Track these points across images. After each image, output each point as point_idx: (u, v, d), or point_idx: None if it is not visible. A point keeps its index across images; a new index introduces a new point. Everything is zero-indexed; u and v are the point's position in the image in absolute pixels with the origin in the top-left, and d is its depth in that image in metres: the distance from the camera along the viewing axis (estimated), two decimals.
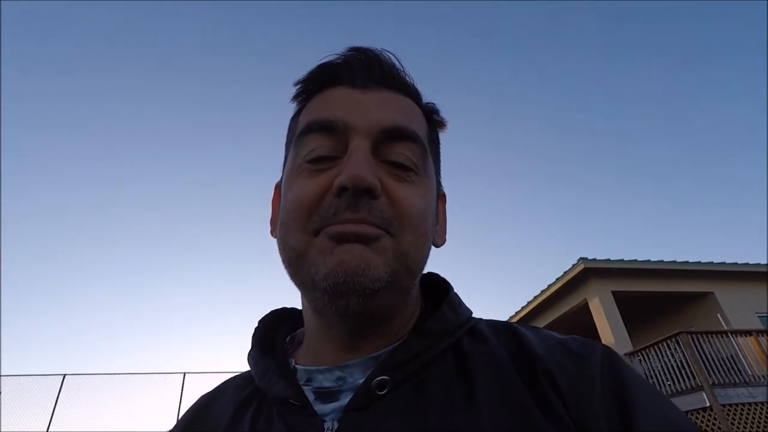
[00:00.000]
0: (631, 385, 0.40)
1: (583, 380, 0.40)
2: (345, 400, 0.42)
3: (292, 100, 0.54)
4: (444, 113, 0.56)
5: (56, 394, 11.57)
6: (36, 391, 11.63)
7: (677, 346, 8.16)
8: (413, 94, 0.52)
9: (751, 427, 7.30)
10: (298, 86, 0.53)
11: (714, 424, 7.31)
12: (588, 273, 10.38)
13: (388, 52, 0.51)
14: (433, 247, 0.50)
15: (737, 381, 7.73)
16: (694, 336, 8.16)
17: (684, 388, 7.92)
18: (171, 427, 0.54)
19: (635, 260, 10.58)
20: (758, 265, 11.12)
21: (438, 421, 0.38)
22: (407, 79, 0.52)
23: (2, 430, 11.11)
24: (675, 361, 8.20)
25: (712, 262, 10.90)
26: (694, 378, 7.77)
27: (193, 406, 0.55)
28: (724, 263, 10.98)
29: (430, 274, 0.53)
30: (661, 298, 10.96)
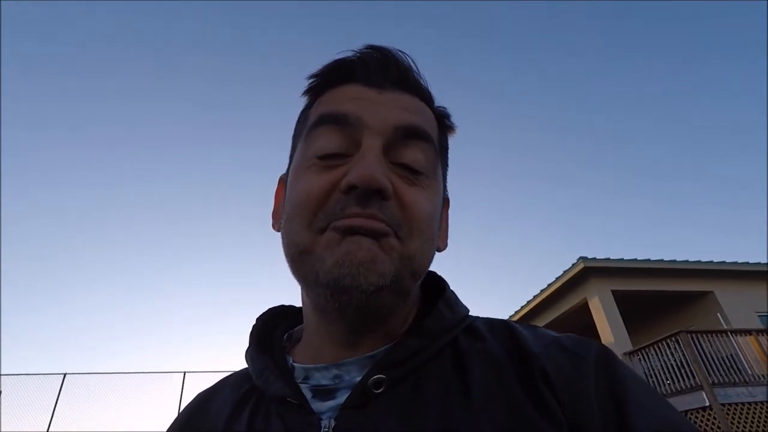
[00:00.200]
0: (626, 384, 0.40)
1: (578, 378, 0.40)
2: (342, 398, 0.42)
3: (304, 93, 0.53)
4: (447, 109, 0.55)
5: (57, 393, 11.58)
6: (37, 390, 11.64)
7: (677, 346, 8.16)
8: (427, 98, 0.52)
9: (751, 427, 7.30)
10: (312, 79, 0.52)
11: (714, 423, 7.31)
12: (588, 272, 10.38)
13: (404, 53, 0.51)
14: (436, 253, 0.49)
15: (737, 380, 7.73)
16: (693, 335, 8.17)
17: (684, 387, 7.92)
18: (169, 424, 0.54)
19: (635, 259, 10.58)
20: (758, 264, 11.11)
21: (434, 419, 0.38)
22: (422, 81, 0.52)
23: (3, 429, 11.11)
24: (675, 361, 8.20)
25: (712, 262, 10.90)
26: (693, 377, 7.77)
27: (190, 403, 0.55)
28: (724, 262, 10.98)
29: (427, 272, 0.53)
30: (661, 297, 10.96)
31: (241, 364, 0.56)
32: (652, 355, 8.71)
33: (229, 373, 0.57)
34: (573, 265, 10.59)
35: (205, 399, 0.54)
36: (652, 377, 8.56)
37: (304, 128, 0.49)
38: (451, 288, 0.52)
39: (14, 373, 11.80)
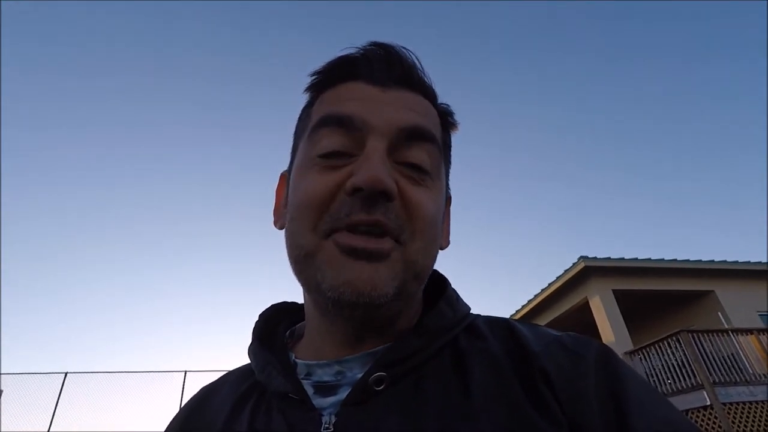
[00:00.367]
0: (626, 383, 0.40)
1: (578, 377, 0.40)
2: (343, 394, 0.42)
3: (306, 90, 0.53)
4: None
5: (58, 392, 11.60)
6: (38, 389, 11.67)
7: (678, 345, 8.15)
8: (430, 95, 0.52)
9: (752, 426, 7.30)
10: (314, 76, 0.51)
11: (715, 422, 7.31)
12: (588, 271, 10.37)
13: (408, 50, 0.50)
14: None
15: (738, 380, 7.72)
16: (694, 334, 8.16)
17: (685, 386, 7.92)
18: (171, 418, 0.54)
19: (636, 259, 10.57)
20: (759, 263, 11.10)
21: (434, 417, 0.38)
22: (426, 79, 0.51)
23: (4, 428, 11.13)
24: (676, 360, 8.19)
25: (712, 261, 10.88)
26: (694, 376, 7.77)
27: (193, 397, 0.56)
28: (725, 262, 10.96)
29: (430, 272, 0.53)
30: (662, 296, 10.94)
31: (241, 363, 0.56)
32: (653, 354, 8.70)
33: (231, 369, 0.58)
34: (574, 264, 10.58)
35: (207, 393, 0.54)
36: (653, 377, 8.55)
37: (307, 127, 0.49)
38: (453, 286, 0.52)
39: (16, 372, 11.83)
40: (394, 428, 0.38)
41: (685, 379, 7.95)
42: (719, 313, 10.20)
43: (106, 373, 12.28)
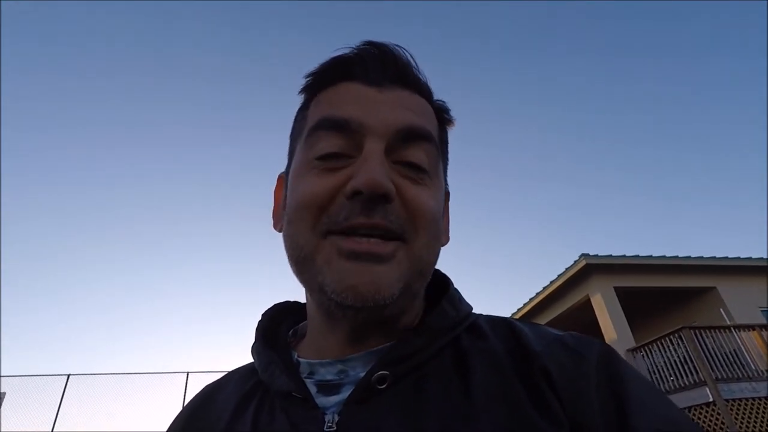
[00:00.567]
0: (628, 383, 0.40)
1: (579, 377, 0.40)
2: (346, 393, 0.42)
3: (301, 91, 0.53)
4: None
5: (61, 394, 11.62)
6: (41, 392, 11.69)
7: (680, 342, 8.15)
8: (426, 93, 0.51)
9: (755, 422, 7.30)
10: (309, 78, 0.51)
11: (717, 419, 7.31)
12: (590, 269, 10.37)
13: (402, 48, 0.50)
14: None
15: (740, 376, 7.72)
16: (697, 331, 8.15)
17: (687, 383, 7.92)
18: (175, 416, 0.55)
19: (637, 256, 10.56)
20: (761, 259, 11.08)
21: (436, 417, 0.38)
22: (421, 77, 0.51)
23: (9, 430, 11.16)
24: (678, 357, 8.19)
25: (714, 257, 10.87)
26: (697, 373, 7.77)
27: (197, 396, 0.56)
28: (726, 258, 10.95)
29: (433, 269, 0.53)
30: (664, 293, 10.94)
31: (243, 363, 0.56)
32: (655, 351, 8.70)
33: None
34: (575, 262, 10.58)
35: (211, 392, 0.54)
36: (655, 373, 8.55)
37: (303, 129, 0.49)
38: (455, 285, 0.52)
39: (19, 374, 11.86)
40: (397, 427, 0.38)
41: (687, 376, 7.95)
42: (721, 310, 10.19)
43: (108, 375, 12.31)
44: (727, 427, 7.08)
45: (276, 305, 0.58)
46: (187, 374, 12.31)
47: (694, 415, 7.67)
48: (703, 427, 7.32)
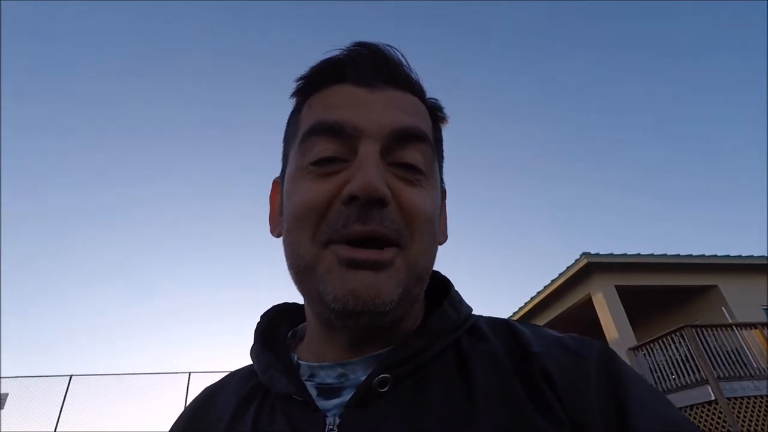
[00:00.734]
0: (628, 384, 0.40)
1: (579, 378, 0.40)
2: (347, 396, 0.42)
3: (293, 95, 0.52)
4: (448, 109, 0.54)
5: (63, 395, 11.65)
6: (43, 392, 11.71)
7: (682, 340, 8.13)
8: (418, 92, 0.51)
9: (757, 421, 7.28)
10: (300, 81, 0.51)
11: (719, 417, 7.30)
12: (591, 268, 10.35)
13: (393, 47, 0.50)
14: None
15: (742, 374, 7.71)
16: (698, 330, 8.14)
17: (689, 381, 7.90)
18: (175, 419, 0.55)
19: (638, 254, 10.54)
20: (763, 257, 11.04)
21: (437, 419, 0.38)
22: (413, 75, 0.51)
23: (12, 430, 11.19)
24: (680, 355, 8.17)
25: (716, 256, 10.84)
26: (699, 372, 7.75)
27: (197, 398, 0.56)
28: (728, 256, 10.92)
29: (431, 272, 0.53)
30: (665, 292, 10.92)
31: (246, 364, 0.56)
32: (656, 350, 8.69)
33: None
34: (576, 261, 10.56)
35: (211, 394, 0.54)
36: (657, 372, 8.54)
37: (297, 134, 0.49)
38: (455, 287, 0.52)
39: (21, 375, 11.88)
40: (398, 429, 0.38)
41: (689, 375, 7.94)
42: (723, 308, 10.17)
43: (110, 375, 12.33)
44: (729, 425, 7.07)
45: (274, 307, 0.57)
46: (189, 374, 12.32)
47: (696, 413, 7.66)
48: (705, 426, 7.31)
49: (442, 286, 0.52)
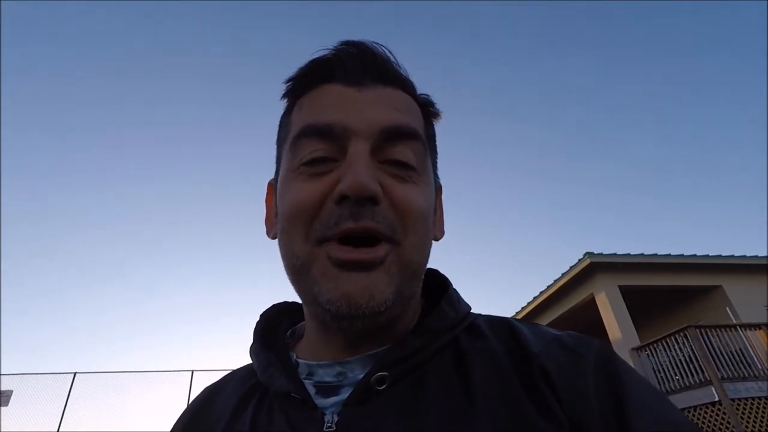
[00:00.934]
0: (626, 383, 0.39)
1: (578, 376, 0.40)
2: (345, 394, 0.42)
3: (283, 96, 0.52)
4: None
5: (67, 392, 11.71)
6: (48, 389, 11.78)
7: (685, 341, 8.10)
8: (408, 88, 0.51)
9: (761, 422, 7.25)
10: (290, 83, 0.51)
11: (723, 418, 7.26)
12: (594, 267, 10.32)
13: (381, 44, 0.50)
14: (435, 243, 0.50)
15: (746, 375, 7.67)
16: (702, 330, 8.11)
17: (693, 382, 7.87)
18: (176, 419, 0.55)
19: (642, 254, 10.50)
20: (767, 258, 11.00)
21: (435, 417, 0.38)
22: (401, 72, 0.51)
23: (15, 428, 11.26)
24: (683, 356, 8.14)
25: (720, 256, 10.79)
26: (702, 372, 7.72)
27: (197, 397, 0.56)
28: (732, 256, 10.86)
29: (429, 270, 0.53)
30: (669, 292, 10.87)
31: (247, 362, 0.56)
32: (660, 350, 8.66)
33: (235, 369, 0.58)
34: (579, 260, 10.53)
35: (211, 393, 0.55)
36: (660, 373, 8.51)
37: (288, 136, 0.49)
38: (454, 286, 0.52)
39: (25, 372, 11.95)
40: (396, 428, 0.38)
41: (693, 375, 7.90)
42: (727, 309, 10.12)
43: (114, 373, 12.40)
44: (733, 426, 7.03)
45: (274, 306, 0.58)
46: (192, 372, 12.38)
47: (699, 414, 7.63)
48: (709, 427, 7.28)
49: (440, 285, 0.52)
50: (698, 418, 7.60)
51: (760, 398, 7.47)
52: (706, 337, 8.01)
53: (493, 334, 0.47)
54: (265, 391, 0.47)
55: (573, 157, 25.85)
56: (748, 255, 11.00)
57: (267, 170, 0.57)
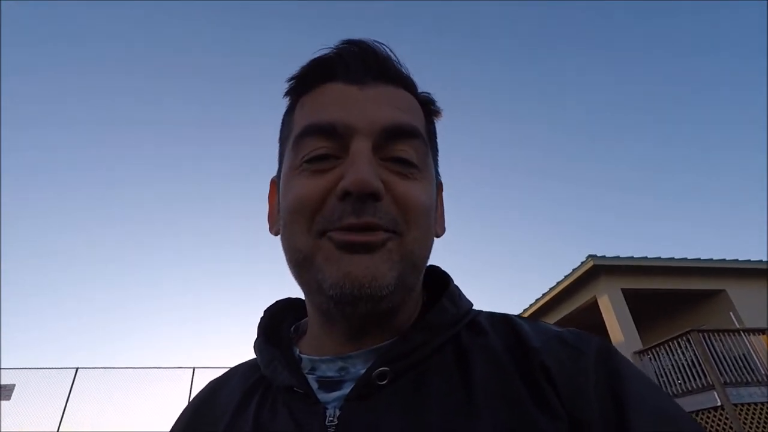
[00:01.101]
0: (626, 379, 0.40)
1: (578, 373, 0.40)
2: (347, 389, 0.43)
3: (285, 95, 0.53)
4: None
5: (69, 387, 11.78)
6: (50, 384, 11.85)
7: (688, 345, 8.07)
8: (409, 86, 0.52)
9: (764, 428, 7.20)
10: (292, 81, 0.52)
11: (726, 423, 7.23)
12: (597, 270, 10.29)
13: (382, 43, 0.50)
14: (436, 241, 0.50)
15: (749, 380, 7.63)
16: (705, 334, 8.07)
17: (695, 387, 7.84)
18: (180, 412, 0.55)
19: (645, 257, 10.46)
20: None
21: (436, 413, 0.39)
22: (403, 70, 0.51)
23: (17, 422, 11.33)
24: (686, 360, 8.11)
25: (724, 260, 10.74)
26: (705, 377, 7.69)
27: (201, 391, 0.57)
28: (736, 261, 10.81)
29: (430, 267, 0.53)
30: (672, 295, 10.83)
31: (249, 358, 0.56)
32: (662, 354, 8.62)
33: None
34: (582, 263, 10.50)
35: (214, 388, 0.55)
36: (662, 377, 8.48)
37: (291, 134, 0.49)
38: (455, 283, 0.53)
39: (28, 366, 12.03)
40: (397, 423, 0.39)
41: (695, 380, 7.87)
42: (731, 313, 10.06)
43: (115, 369, 12.46)
44: (736, 431, 7.00)
45: (278, 302, 0.58)
46: (194, 369, 12.43)
47: (701, 419, 7.59)
48: (711, 431, 7.25)
49: (441, 281, 0.53)
50: (701, 423, 7.56)
51: (762, 404, 7.43)
52: (709, 341, 7.97)
53: (494, 330, 0.47)
54: (268, 385, 0.48)
55: (573, 157, 25.81)
56: (752, 259, 10.95)
57: (268, 169, 0.57)
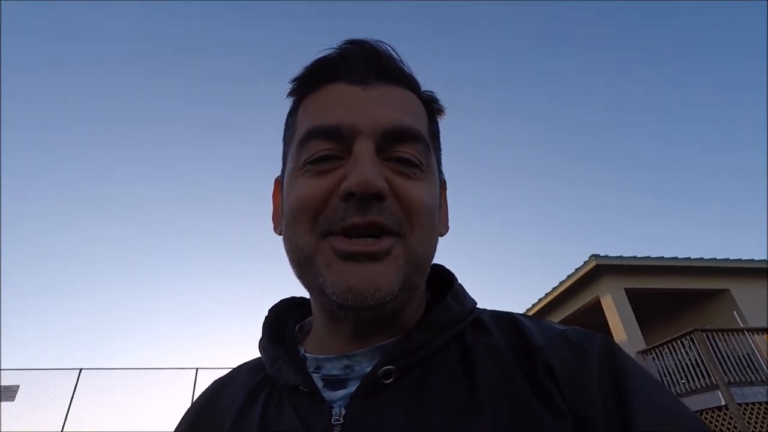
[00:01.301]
0: (630, 377, 0.40)
1: (581, 371, 0.40)
2: (352, 387, 0.43)
3: (288, 95, 0.53)
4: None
5: (73, 388, 11.81)
6: (54, 385, 11.89)
7: (692, 344, 8.04)
8: (412, 85, 0.51)
9: None
10: (295, 82, 0.52)
11: (730, 423, 7.20)
12: (600, 270, 10.26)
13: (385, 43, 0.50)
14: (440, 240, 0.50)
15: (753, 379, 7.59)
16: (709, 334, 8.03)
17: (699, 386, 7.80)
18: (185, 411, 0.55)
19: (648, 257, 10.42)
20: None
21: (440, 411, 0.39)
22: (405, 69, 0.51)
23: (20, 422, 11.38)
24: (690, 360, 8.08)
25: (728, 259, 10.70)
26: (709, 376, 7.65)
27: (206, 391, 0.57)
28: (740, 260, 10.76)
29: (434, 265, 0.53)
30: (676, 295, 10.79)
31: (250, 359, 0.57)
32: (666, 354, 8.59)
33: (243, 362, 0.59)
34: (585, 262, 10.47)
35: (218, 388, 0.55)
36: (666, 376, 8.45)
37: (294, 135, 0.49)
38: (459, 281, 0.53)
39: (32, 368, 12.06)
40: (402, 421, 0.39)
41: (699, 379, 7.84)
42: (734, 312, 10.02)
43: (119, 370, 12.49)
44: (740, 431, 6.97)
45: (282, 301, 0.58)
46: (197, 370, 12.45)
47: (705, 418, 7.56)
48: (715, 431, 7.22)
49: (445, 280, 0.53)
50: (704, 422, 7.51)
51: (767, 403, 7.39)
52: (712, 340, 7.94)
53: (498, 329, 0.47)
54: (273, 384, 0.48)
55: (574, 157, 25.73)
56: (756, 259, 10.89)
57: (270, 169, 0.57)
